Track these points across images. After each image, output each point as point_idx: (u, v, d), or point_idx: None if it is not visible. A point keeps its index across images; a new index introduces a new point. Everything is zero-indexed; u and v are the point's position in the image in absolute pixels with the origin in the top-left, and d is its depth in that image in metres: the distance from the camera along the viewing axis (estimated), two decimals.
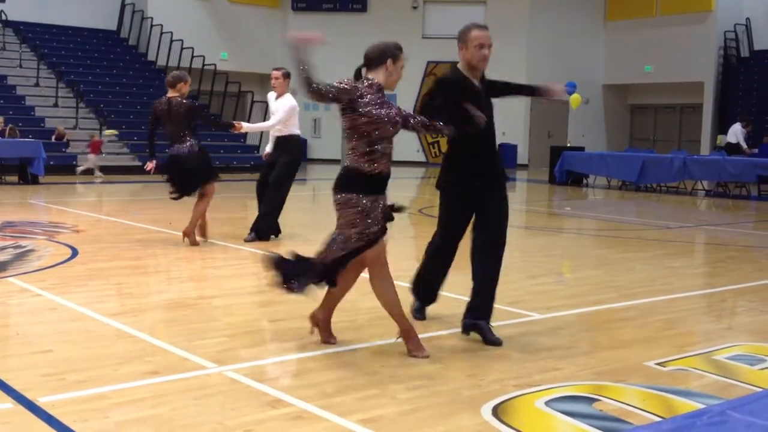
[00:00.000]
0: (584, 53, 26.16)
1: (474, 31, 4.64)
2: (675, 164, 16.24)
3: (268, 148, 8.53)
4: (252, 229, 8.50)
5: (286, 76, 8.24)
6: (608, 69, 26.66)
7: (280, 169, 8.31)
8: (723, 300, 6.27)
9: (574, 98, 19.29)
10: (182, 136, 7.91)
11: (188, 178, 8.02)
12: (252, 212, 13.20)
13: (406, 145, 21.21)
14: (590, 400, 3.65)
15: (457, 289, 5.52)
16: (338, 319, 5.02)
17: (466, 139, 4.61)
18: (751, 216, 13.24)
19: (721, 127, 22.97)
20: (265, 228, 8.49)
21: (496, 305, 4.73)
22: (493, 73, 4.88)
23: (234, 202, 13.86)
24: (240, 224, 10.78)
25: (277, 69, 8.34)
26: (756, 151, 18.56)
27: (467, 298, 5.05)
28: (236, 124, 8.24)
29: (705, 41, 24.11)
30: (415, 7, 25.79)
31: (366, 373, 3.99)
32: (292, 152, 8.42)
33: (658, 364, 4.24)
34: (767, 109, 22.69)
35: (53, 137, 18.02)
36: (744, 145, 18.17)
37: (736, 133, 18.38)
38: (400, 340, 4.38)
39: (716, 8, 23.94)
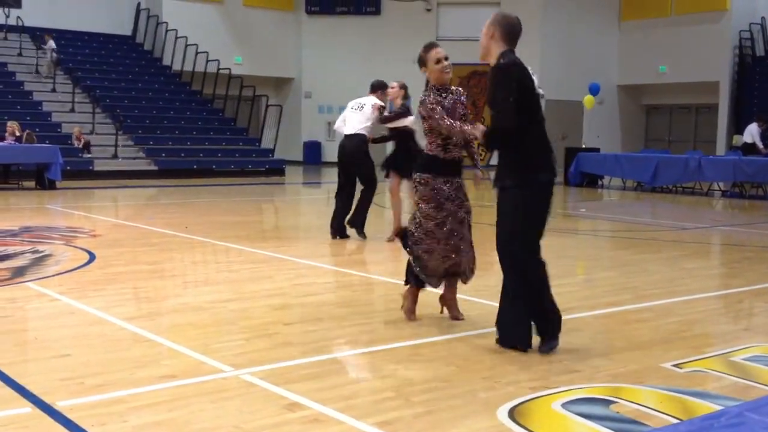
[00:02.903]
0: (598, 54, 26.08)
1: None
2: (690, 165, 16.15)
3: None
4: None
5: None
6: (622, 69, 26.56)
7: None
8: (740, 301, 6.23)
9: (588, 99, 19.27)
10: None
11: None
12: (267, 216, 13.28)
13: None
14: (607, 402, 3.63)
15: (467, 291, 5.54)
16: (352, 323, 5.04)
17: None
18: None
19: (737, 127, 22.82)
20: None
21: None
22: None
23: (249, 206, 13.91)
24: (255, 228, 10.83)
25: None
26: None
27: (480, 300, 5.07)
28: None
29: (720, 41, 23.97)
30: (428, 10, 25.80)
31: (382, 376, 4.00)
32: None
33: (675, 365, 4.22)
34: None
35: (74, 141, 18.19)
36: (760, 145, 18.02)
37: (752, 132, 18.24)
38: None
39: (731, 7, 23.80)
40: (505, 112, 4.28)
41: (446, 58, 4.98)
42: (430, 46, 5.04)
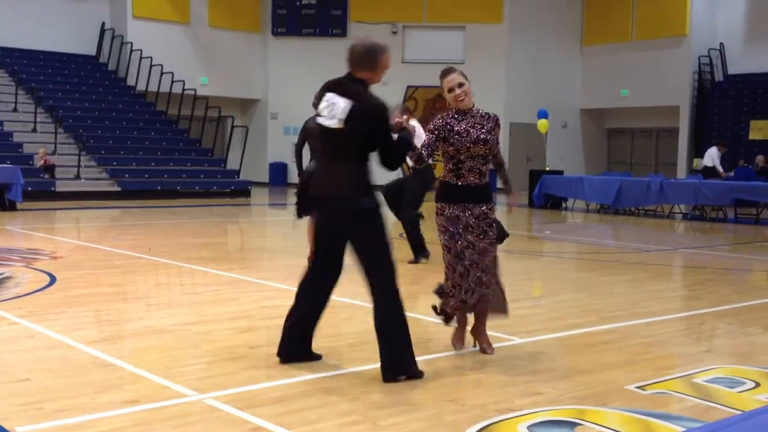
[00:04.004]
0: (561, 78, 26.44)
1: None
2: (652, 188, 16.38)
3: None
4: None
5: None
6: (585, 93, 26.96)
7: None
8: (702, 323, 6.31)
9: (541, 123, 19.61)
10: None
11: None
12: (233, 237, 13.19)
13: None
14: (572, 425, 3.65)
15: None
16: (319, 346, 5.01)
17: None
18: (728, 239, 13.37)
19: (697, 150, 23.25)
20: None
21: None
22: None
23: (214, 227, 13.81)
24: (220, 249, 10.74)
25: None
26: (732, 174, 18.77)
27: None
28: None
29: (680, 66, 24.46)
30: (394, 32, 25.96)
31: (348, 399, 3.98)
32: None
33: (639, 387, 4.25)
34: (742, 133, 23.00)
35: (40, 164, 17.88)
36: (720, 169, 18.37)
37: (712, 156, 18.59)
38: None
39: (690, 33, 24.32)
40: None
41: (460, 85, 4.81)
42: (445, 73, 4.90)
